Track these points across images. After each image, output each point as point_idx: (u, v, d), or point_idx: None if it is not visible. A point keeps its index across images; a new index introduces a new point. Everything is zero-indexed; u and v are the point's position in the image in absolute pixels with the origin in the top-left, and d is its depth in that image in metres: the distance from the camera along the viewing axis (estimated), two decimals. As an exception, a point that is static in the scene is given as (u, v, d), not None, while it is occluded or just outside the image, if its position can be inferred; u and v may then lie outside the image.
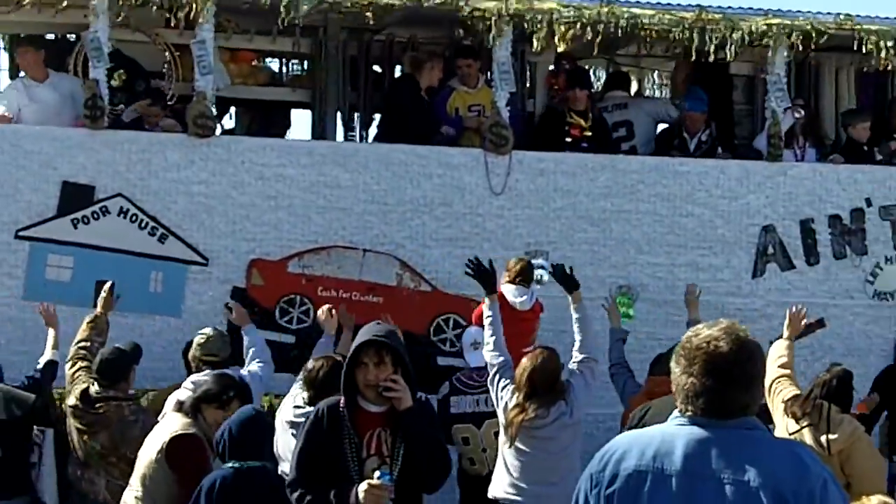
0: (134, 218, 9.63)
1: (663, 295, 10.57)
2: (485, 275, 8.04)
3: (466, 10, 10.14)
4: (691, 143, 11.13)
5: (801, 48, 10.92)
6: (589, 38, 10.39)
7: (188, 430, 6.68)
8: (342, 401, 5.46)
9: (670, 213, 10.63)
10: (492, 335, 7.73)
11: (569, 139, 10.76)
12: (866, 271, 10.97)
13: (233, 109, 11.94)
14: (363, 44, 11.12)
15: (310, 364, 7.05)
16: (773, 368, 7.40)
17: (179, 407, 6.98)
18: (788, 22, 10.83)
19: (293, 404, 7.20)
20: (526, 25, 10.27)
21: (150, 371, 8.74)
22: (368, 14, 10.01)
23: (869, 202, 11.00)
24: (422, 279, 10.15)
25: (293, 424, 6.91)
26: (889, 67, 11.46)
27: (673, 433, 3.58)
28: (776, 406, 7.36)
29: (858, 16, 11.04)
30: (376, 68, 11.42)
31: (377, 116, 11.13)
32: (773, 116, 10.85)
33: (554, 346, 7.91)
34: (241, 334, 8.72)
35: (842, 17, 10.95)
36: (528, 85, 11.61)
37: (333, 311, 8.67)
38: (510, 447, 7.33)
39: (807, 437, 7.12)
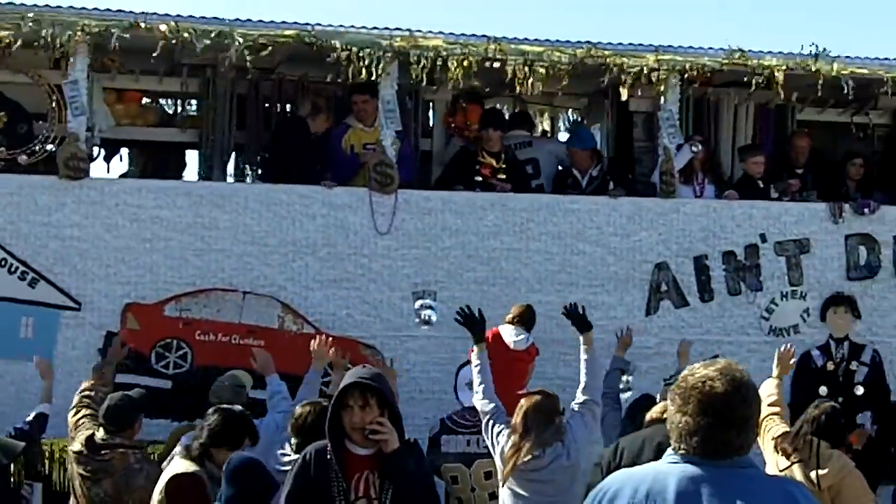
0: (3, 262, 9.42)
1: (554, 334, 10.37)
2: (474, 323, 7.93)
3: (351, 48, 9.98)
4: (583, 181, 11.01)
5: (696, 84, 10.85)
6: (475, 74, 10.26)
7: (189, 469, 6.47)
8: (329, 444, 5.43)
9: (561, 250, 10.49)
10: (480, 382, 7.64)
11: (479, 178, 10.62)
12: (761, 307, 10.85)
13: (125, 151, 11.74)
14: (252, 83, 10.96)
15: (297, 410, 6.90)
16: (762, 407, 7.25)
17: (186, 451, 6.70)
18: (679, 58, 10.76)
19: (281, 452, 7.07)
20: (412, 63, 10.14)
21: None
22: (253, 55, 9.83)
23: (764, 238, 10.89)
24: (305, 321, 9.95)
25: (279, 472, 6.69)
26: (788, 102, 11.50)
27: (666, 471, 3.56)
28: (766, 443, 7.35)
29: (751, 51, 10.97)
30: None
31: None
32: (666, 153, 10.76)
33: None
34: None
35: (734, 52, 10.87)
36: (430, 124, 11.51)
37: (328, 340, 8.47)
38: (504, 486, 7.18)
39: (797, 473, 7.09)
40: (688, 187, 11.03)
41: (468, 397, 8.31)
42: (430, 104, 11.53)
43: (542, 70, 10.29)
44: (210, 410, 6.73)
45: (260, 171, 10.93)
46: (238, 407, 6.91)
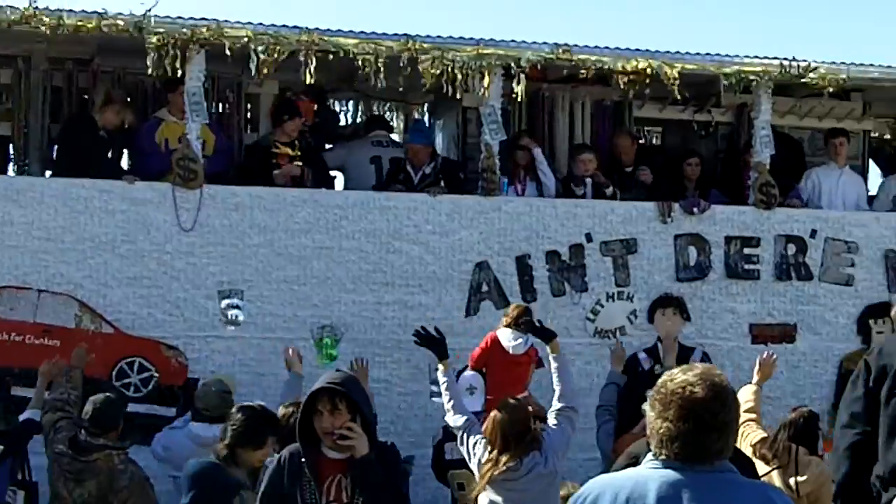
0: None
1: (369, 334, 10.15)
2: (433, 342, 7.80)
3: (153, 39, 9.66)
4: (416, 177, 10.74)
5: (523, 79, 10.58)
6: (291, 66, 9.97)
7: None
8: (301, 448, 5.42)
9: (377, 249, 10.22)
10: (449, 399, 7.52)
11: (276, 171, 10.33)
12: (586, 308, 10.62)
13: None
14: (67, 74, 10.61)
15: (280, 411, 6.89)
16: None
17: (214, 454, 6.51)
18: (502, 52, 10.48)
19: None
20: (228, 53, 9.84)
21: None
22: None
23: (589, 237, 10.65)
24: (103, 321, 9.62)
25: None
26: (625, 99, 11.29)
27: (646, 476, 3.57)
28: (745, 449, 7.23)
29: (576, 45, 10.72)
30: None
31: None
32: (487, 149, 10.50)
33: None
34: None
35: (559, 47, 10.62)
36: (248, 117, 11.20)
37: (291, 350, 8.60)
38: (480, 495, 7.12)
39: (776, 479, 7.08)
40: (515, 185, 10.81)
41: (470, 403, 8.29)
42: (257, 97, 11.20)
43: (360, 63, 10.03)
44: (234, 409, 6.62)
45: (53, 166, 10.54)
46: (260, 403, 6.77)
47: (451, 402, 7.49)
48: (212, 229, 9.89)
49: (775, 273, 10.96)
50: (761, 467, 7.10)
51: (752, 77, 10.82)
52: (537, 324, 8.20)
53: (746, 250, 10.92)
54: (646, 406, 3.72)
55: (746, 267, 10.92)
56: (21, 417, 8.19)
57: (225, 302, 9.82)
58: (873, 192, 12.38)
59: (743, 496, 3.56)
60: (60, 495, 7.39)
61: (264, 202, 10.02)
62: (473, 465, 7.25)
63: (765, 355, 8.13)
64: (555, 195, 10.91)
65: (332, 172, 11.98)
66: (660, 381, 3.65)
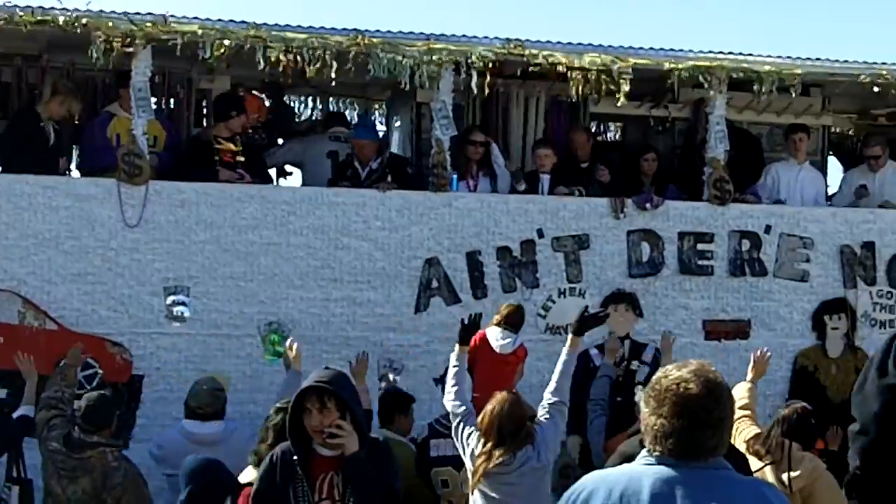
0: None
1: (317, 331, 10.09)
2: (468, 327, 7.80)
3: (99, 34, 9.59)
4: (363, 172, 10.68)
5: (475, 74, 10.51)
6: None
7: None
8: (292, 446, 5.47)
9: (325, 245, 10.15)
10: (454, 385, 7.49)
11: (219, 168, 10.27)
12: (538, 305, 10.55)
13: None
14: (17, 70, 10.56)
15: (270, 412, 6.83)
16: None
17: (255, 456, 6.51)
18: (453, 47, 10.42)
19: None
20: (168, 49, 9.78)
21: None
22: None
23: (541, 233, 10.59)
24: (47, 317, 9.56)
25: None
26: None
27: (640, 473, 3.56)
28: (738, 445, 7.23)
29: (528, 40, 10.66)
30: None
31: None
32: (438, 144, 10.44)
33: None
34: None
35: (511, 42, 10.55)
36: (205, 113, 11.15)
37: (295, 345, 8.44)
38: (473, 490, 7.05)
39: (769, 475, 7.06)
40: (462, 181, 10.74)
41: None
42: (209, 93, 11.14)
43: (309, 57, 9.96)
44: (272, 410, 6.62)
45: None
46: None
47: (456, 387, 7.46)
48: (157, 225, 9.83)
49: (729, 269, 10.90)
50: (754, 463, 7.12)
51: (705, 72, 10.74)
52: (586, 313, 7.78)
53: (700, 246, 10.86)
54: (640, 401, 3.76)
55: (700, 263, 10.86)
56: (15, 414, 8.27)
57: (171, 298, 9.77)
58: (834, 187, 12.36)
59: (737, 493, 3.54)
60: (54, 492, 7.42)
61: (211, 198, 9.96)
62: (466, 457, 7.22)
63: (759, 353, 8.13)
64: (508, 191, 10.86)
65: (289, 168, 11.98)
66: (654, 377, 3.66)
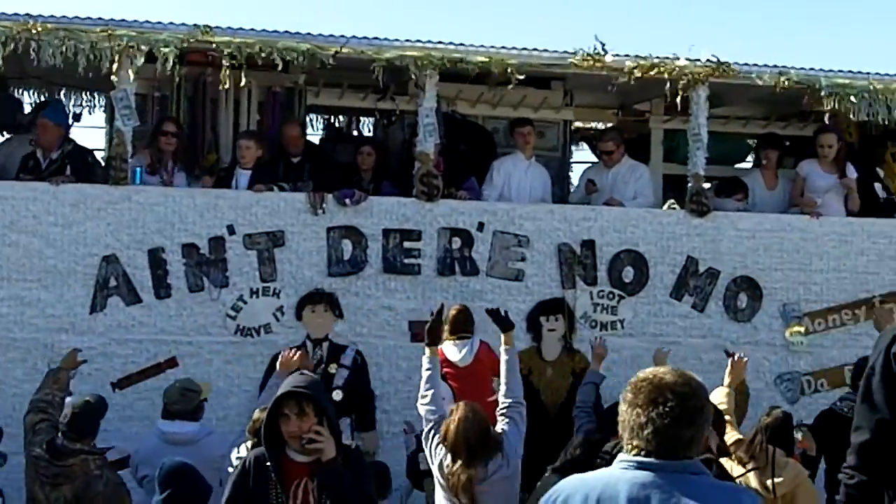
0: None
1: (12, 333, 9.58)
2: (433, 326, 7.44)
3: None
4: (44, 163, 10.16)
5: (169, 62, 9.98)
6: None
7: None
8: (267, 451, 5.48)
9: (-10, 242, 9.61)
10: (429, 388, 7.30)
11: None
12: (227, 305, 10.03)
13: None
14: None
15: (255, 414, 6.94)
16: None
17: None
18: (134, 33, 9.87)
19: (236, 455, 7.14)
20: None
21: None
22: None
23: (232, 230, 10.07)
24: None
25: (219, 470, 6.89)
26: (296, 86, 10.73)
27: (617, 477, 3.55)
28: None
29: (219, 27, 10.14)
30: None
31: None
32: (118, 135, 9.92)
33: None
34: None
35: (199, 29, 10.03)
36: None
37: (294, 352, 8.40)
38: (441, 497, 7.00)
39: (752, 480, 7.10)
40: (154, 176, 10.23)
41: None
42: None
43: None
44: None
45: None
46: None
47: (431, 391, 7.27)
48: None
49: (438, 267, 10.40)
50: (737, 469, 7.13)
51: (411, 62, 10.26)
52: (494, 311, 7.68)
53: (406, 244, 10.36)
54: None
55: (406, 261, 10.36)
56: None
57: None
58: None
59: (714, 498, 3.52)
60: (37, 498, 7.37)
61: None
62: (434, 466, 7.05)
63: (735, 357, 8.02)
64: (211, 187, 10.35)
65: None
66: (631, 379, 3.66)
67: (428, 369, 7.31)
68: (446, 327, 8.92)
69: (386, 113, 11.46)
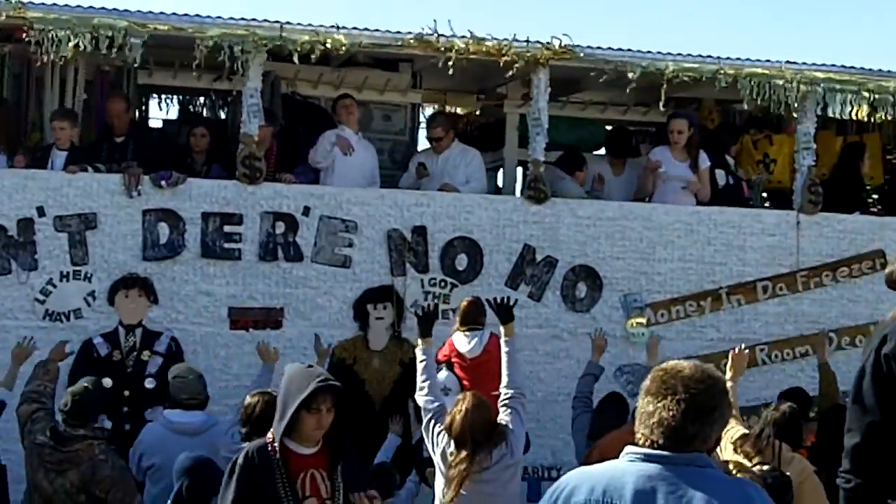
0: None
1: None
2: (426, 318, 7.67)
3: None
4: None
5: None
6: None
7: None
8: (271, 443, 5.41)
9: None
10: (425, 379, 7.45)
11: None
12: (35, 289, 9.76)
13: None
14: None
15: (246, 400, 6.85)
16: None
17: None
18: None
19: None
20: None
21: None
22: None
23: (42, 211, 9.80)
24: None
25: (227, 459, 6.59)
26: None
27: (624, 469, 3.54)
28: (725, 446, 7.15)
29: (31, 3, 9.83)
30: None
31: None
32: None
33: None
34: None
35: (10, 4, 9.73)
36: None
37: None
38: (442, 486, 7.05)
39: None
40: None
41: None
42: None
43: None
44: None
45: None
46: None
47: (428, 381, 7.41)
48: None
49: (260, 252, 10.11)
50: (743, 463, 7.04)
51: (234, 41, 9.96)
52: (496, 302, 7.73)
53: (227, 228, 10.07)
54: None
55: (226, 246, 10.07)
56: None
57: None
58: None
59: (721, 492, 3.48)
60: (41, 486, 7.28)
61: None
62: (436, 456, 7.12)
63: (737, 350, 7.92)
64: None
65: None
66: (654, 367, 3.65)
67: (423, 360, 7.46)
68: (457, 318, 8.99)
69: (221, 94, 11.15)
